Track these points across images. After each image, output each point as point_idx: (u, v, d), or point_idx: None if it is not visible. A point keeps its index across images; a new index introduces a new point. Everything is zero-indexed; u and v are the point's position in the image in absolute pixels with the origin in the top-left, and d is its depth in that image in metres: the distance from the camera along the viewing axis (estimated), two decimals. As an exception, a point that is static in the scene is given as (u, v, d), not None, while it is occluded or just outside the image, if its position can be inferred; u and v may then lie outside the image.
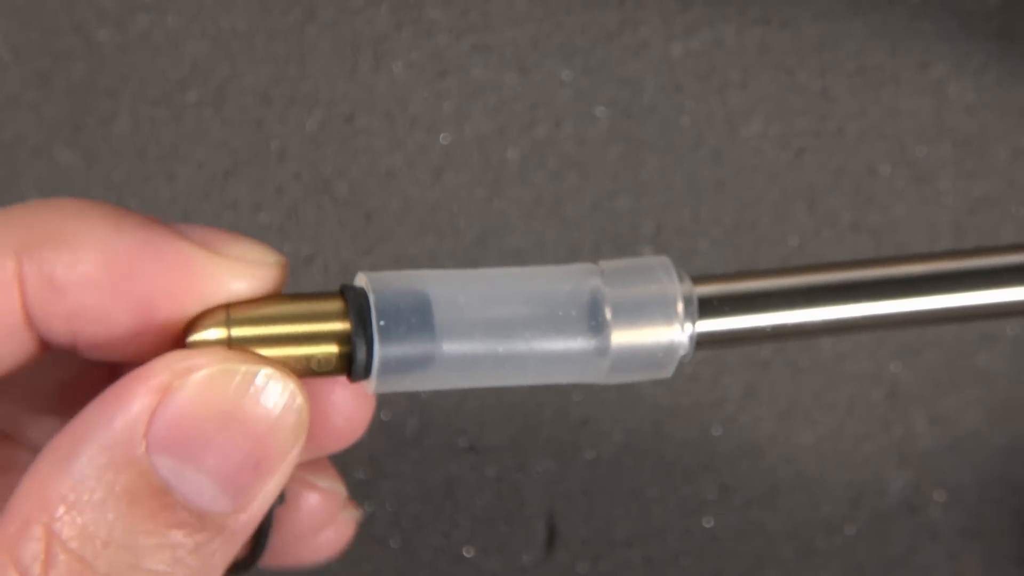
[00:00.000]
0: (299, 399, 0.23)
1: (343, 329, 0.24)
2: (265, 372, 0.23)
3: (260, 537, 0.27)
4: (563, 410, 0.46)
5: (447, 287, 0.24)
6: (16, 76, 0.46)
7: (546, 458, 0.46)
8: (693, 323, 0.24)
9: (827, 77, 0.46)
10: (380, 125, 0.46)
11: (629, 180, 0.46)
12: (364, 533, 0.45)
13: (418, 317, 0.24)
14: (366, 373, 0.24)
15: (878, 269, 0.25)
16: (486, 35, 0.46)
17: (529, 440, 0.46)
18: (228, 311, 0.24)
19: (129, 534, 0.22)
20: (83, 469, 0.22)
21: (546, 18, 0.46)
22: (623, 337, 0.24)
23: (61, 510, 0.22)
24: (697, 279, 0.25)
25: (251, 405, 0.23)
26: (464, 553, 0.46)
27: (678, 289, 0.24)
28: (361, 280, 0.24)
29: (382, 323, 0.23)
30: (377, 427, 0.45)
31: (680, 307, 0.24)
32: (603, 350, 0.24)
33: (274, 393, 0.23)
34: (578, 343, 0.24)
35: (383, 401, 0.45)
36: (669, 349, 0.24)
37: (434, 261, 0.45)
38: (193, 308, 0.24)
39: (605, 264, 0.25)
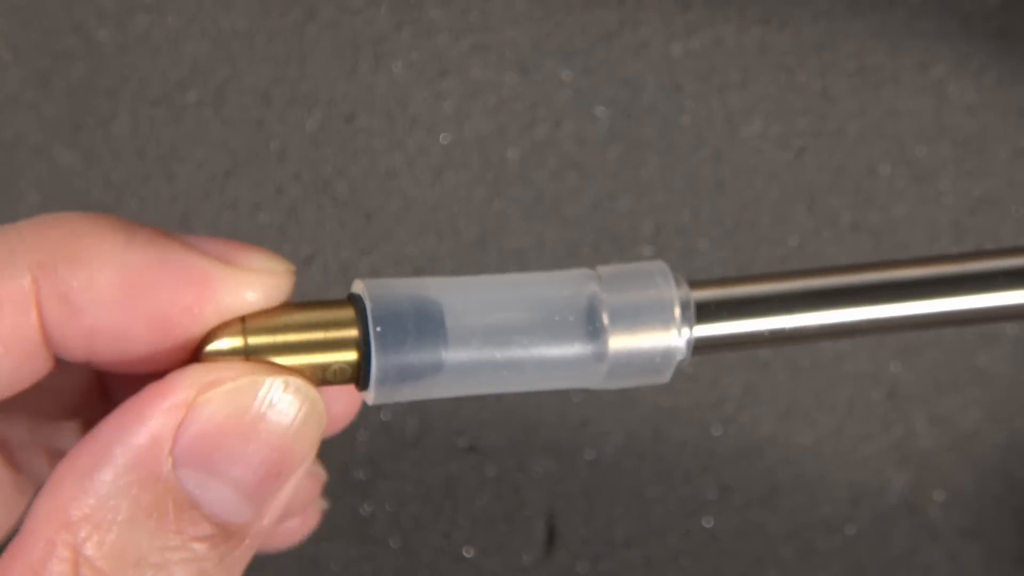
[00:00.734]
0: (320, 406, 0.24)
1: (355, 336, 0.24)
2: (288, 382, 0.23)
3: None
4: (563, 411, 0.46)
5: (447, 294, 0.24)
6: (16, 76, 0.46)
7: (546, 458, 0.46)
8: (690, 328, 0.24)
9: (827, 77, 0.46)
10: (380, 125, 0.46)
11: (629, 180, 0.46)
12: (364, 533, 0.45)
13: (422, 325, 0.24)
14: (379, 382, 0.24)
15: (876, 273, 0.25)
16: (486, 35, 0.46)
17: (529, 440, 0.46)
18: (243, 322, 0.24)
19: (158, 551, 0.22)
20: (107, 487, 0.22)
21: (546, 18, 0.46)
22: (620, 342, 0.24)
23: (87, 529, 0.22)
24: (694, 284, 0.25)
25: (276, 416, 0.23)
26: (464, 553, 0.46)
27: (675, 294, 0.24)
28: (358, 287, 0.24)
29: (379, 329, 0.23)
30: (377, 427, 0.45)
31: (677, 312, 0.24)
32: (601, 355, 0.24)
33: (297, 402, 0.23)
34: (576, 349, 0.24)
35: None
36: (666, 354, 0.24)
37: (434, 261, 0.45)
38: (210, 321, 0.24)
39: (603, 269, 0.25)
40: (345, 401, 0.30)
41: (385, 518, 0.45)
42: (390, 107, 0.46)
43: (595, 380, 0.25)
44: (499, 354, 0.24)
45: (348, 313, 0.24)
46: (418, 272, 0.46)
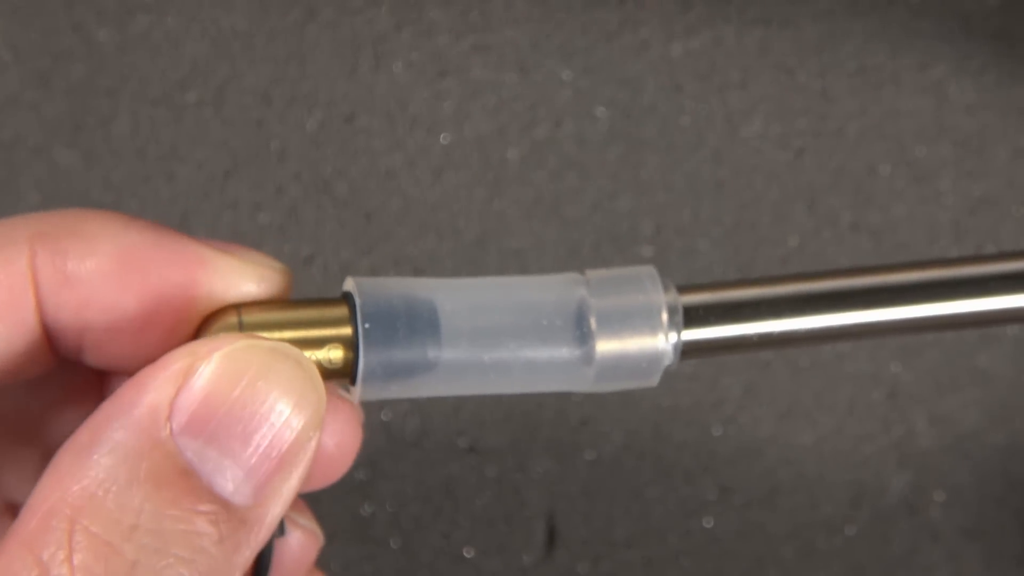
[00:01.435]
0: (318, 383, 0.24)
1: (347, 333, 0.24)
2: (288, 352, 0.23)
3: (261, 566, 0.28)
4: (563, 411, 0.46)
5: (438, 295, 0.24)
6: (16, 76, 0.46)
7: (546, 458, 0.46)
8: (678, 333, 0.25)
9: (827, 77, 0.46)
10: (380, 125, 0.46)
11: (629, 180, 0.46)
12: (364, 533, 0.45)
13: (411, 324, 0.24)
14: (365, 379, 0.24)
15: (866, 278, 0.25)
16: (486, 35, 0.46)
17: (529, 440, 0.46)
18: (239, 312, 0.24)
19: (156, 518, 0.22)
20: (106, 456, 0.22)
21: (546, 18, 0.46)
22: (608, 347, 0.24)
23: (83, 499, 0.22)
24: (682, 288, 0.25)
25: (274, 384, 0.23)
26: (464, 553, 0.46)
27: (663, 299, 0.25)
28: (349, 285, 0.24)
29: (367, 326, 0.24)
30: (377, 428, 0.45)
31: (664, 317, 0.24)
32: (588, 359, 0.24)
33: (295, 373, 0.23)
34: (564, 352, 0.24)
35: (383, 402, 0.45)
36: (653, 358, 0.24)
37: (434, 261, 0.45)
38: (203, 304, 0.24)
39: (591, 274, 0.25)
40: (342, 442, 0.29)
41: (385, 518, 0.45)
42: (390, 107, 0.46)
43: (583, 383, 0.25)
44: (487, 355, 0.24)
45: (341, 311, 0.24)
46: (418, 272, 0.46)
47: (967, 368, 0.47)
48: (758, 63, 0.46)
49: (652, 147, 0.46)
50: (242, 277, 0.24)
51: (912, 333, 0.26)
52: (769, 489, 0.46)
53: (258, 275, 0.24)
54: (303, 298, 0.25)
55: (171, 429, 0.23)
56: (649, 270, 0.25)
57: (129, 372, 0.24)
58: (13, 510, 0.28)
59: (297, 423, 0.23)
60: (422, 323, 0.24)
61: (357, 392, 0.24)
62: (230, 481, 0.23)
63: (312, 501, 0.46)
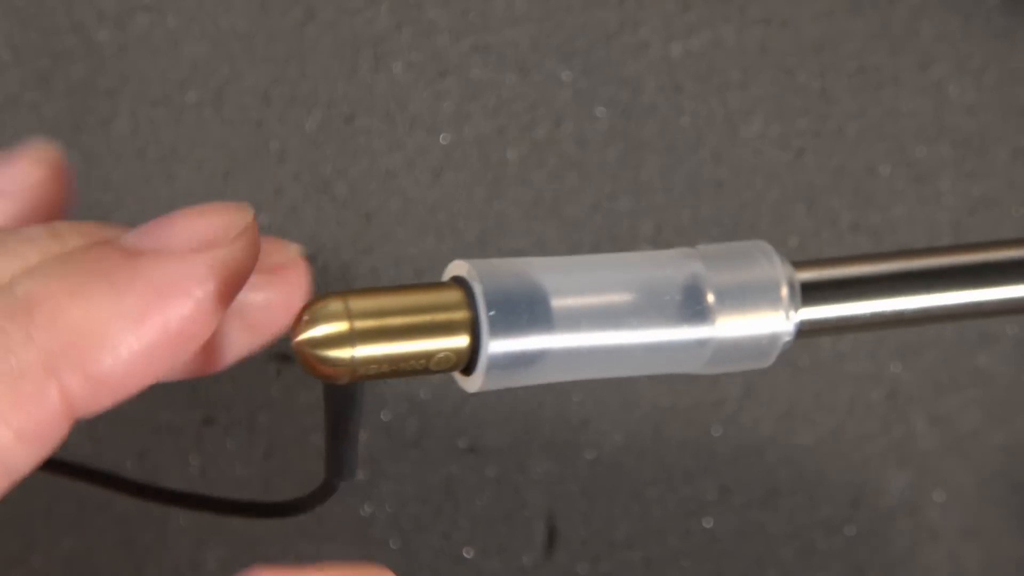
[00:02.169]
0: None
1: (466, 319, 0.22)
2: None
3: (341, 453, 0.25)
4: (563, 411, 0.46)
5: (551, 276, 0.23)
6: (16, 76, 0.46)
7: (546, 459, 0.46)
8: (796, 310, 0.23)
9: (827, 77, 0.46)
10: (380, 125, 0.46)
11: (629, 180, 0.46)
12: (364, 534, 0.45)
13: (532, 309, 0.22)
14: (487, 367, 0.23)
15: (978, 254, 0.24)
16: (486, 35, 0.46)
17: (529, 441, 0.46)
18: (346, 303, 0.22)
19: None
20: None
21: (546, 18, 0.46)
22: (727, 324, 0.23)
23: None
24: (796, 264, 0.24)
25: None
26: (464, 554, 0.46)
27: (782, 273, 0.23)
28: (461, 268, 0.23)
29: (492, 313, 0.22)
30: (377, 428, 0.45)
31: (785, 292, 0.23)
32: (706, 338, 0.23)
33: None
34: (680, 332, 0.23)
35: (383, 402, 0.45)
36: (773, 337, 0.23)
37: (434, 261, 0.45)
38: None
39: (704, 248, 0.24)
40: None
41: (385, 519, 0.45)
42: (390, 107, 0.46)
43: (696, 364, 0.24)
44: (606, 338, 0.23)
45: (455, 295, 0.23)
46: (418, 273, 0.45)
47: (967, 368, 0.47)
48: (758, 63, 0.46)
49: (652, 147, 0.46)
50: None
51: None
52: (769, 489, 0.46)
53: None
54: (408, 283, 0.23)
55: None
56: (763, 244, 0.24)
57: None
58: None
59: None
60: (542, 307, 0.22)
61: (476, 382, 0.23)
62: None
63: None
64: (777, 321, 0.23)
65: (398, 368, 0.22)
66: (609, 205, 0.46)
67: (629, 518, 0.46)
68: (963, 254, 0.25)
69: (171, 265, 0.24)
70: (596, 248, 0.46)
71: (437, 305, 0.22)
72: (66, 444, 0.24)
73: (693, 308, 0.23)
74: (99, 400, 0.24)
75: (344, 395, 0.24)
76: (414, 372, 0.23)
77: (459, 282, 0.23)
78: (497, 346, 0.22)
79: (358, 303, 0.22)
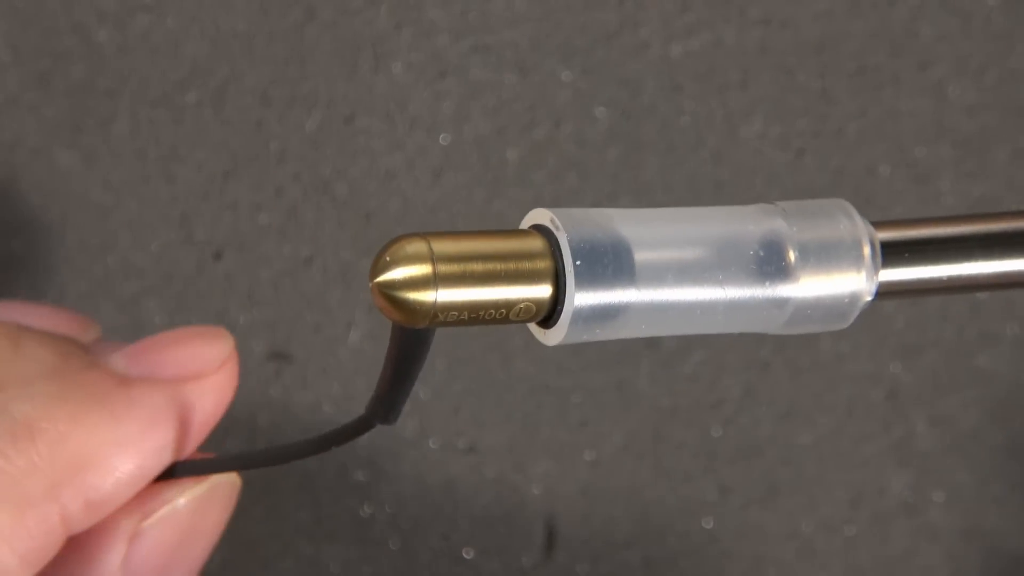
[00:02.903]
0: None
1: (550, 268, 0.21)
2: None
3: (393, 398, 0.24)
4: (563, 411, 0.46)
5: (634, 227, 0.22)
6: (16, 77, 0.46)
7: (546, 459, 0.46)
8: (878, 270, 0.23)
9: (827, 77, 0.46)
10: (380, 126, 0.46)
11: (629, 180, 0.46)
12: (364, 535, 0.45)
13: (618, 260, 0.22)
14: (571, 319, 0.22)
15: None
16: (486, 35, 0.46)
17: (529, 441, 0.46)
18: (429, 244, 0.21)
19: None
20: None
21: (546, 18, 0.46)
22: (808, 282, 0.22)
23: None
24: (876, 224, 0.23)
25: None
26: (463, 555, 0.46)
27: (864, 232, 0.23)
28: (543, 216, 0.22)
29: (578, 263, 0.21)
30: (377, 428, 0.45)
31: (867, 252, 0.23)
32: (786, 296, 0.22)
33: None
34: (762, 289, 0.22)
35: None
36: (855, 297, 0.23)
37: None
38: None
39: (784, 204, 0.23)
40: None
41: (385, 519, 0.45)
42: (390, 107, 0.46)
43: (774, 324, 0.23)
44: (686, 293, 0.22)
45: (538, 243, 0.22)
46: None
47: (967, 368, 0.47)
48: (758, 63, 0.46)
49: (652, 147, 0.46)
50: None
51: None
52: (769, 490, 0.46)
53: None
54: (487, 229, 0.22)
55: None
56: (843, 202, 0.23)
57: None
58: None
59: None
60: (624, 260, 0.22)
61: (558, 335, 0.22)
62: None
63: (311, 503, 0.46)
64: (859, 281, 0.23)
65: (478, 316, 0.21)
66: (609, 205, 0.46)
67: (629, 518, 0.46)
68: None
69: (163, 394, 0.25)
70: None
71: (520, 252, 0.21)
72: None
73: (775, 265, 0.22)
74: (94, 519, 0.25)
75: (416, 339, 0.22)
76: (493, 321, 0.21)
77: (539, 230, 0.22)
78: (583, 298, 0.21)
79: (441, 245, 0.21)
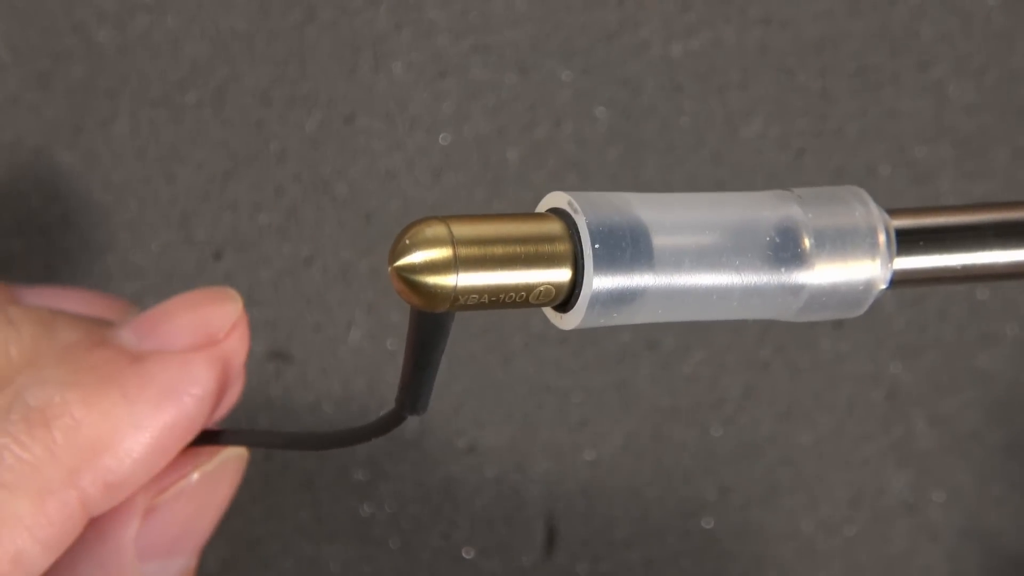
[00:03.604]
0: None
1: (568, 252, 0.21)
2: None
3: (419, 385, 0.24)
4: (563, 411, 0.46)
5: (651, 212, 0.22)
6: (16, 77, 0.46)
7: (546, 459, 0.46)
8: (893, 258, 0.23)
9: (827, 77, 0.46)
10: (380, 126, 0.46)
11: (629, 180, 0.46)
12: (364, 534, 0.45)
13: (636, 244, 0.22)
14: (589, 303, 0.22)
15: None
16: (486, 35, 0.46)
17: (529, 441, 0.46)
18: (449, 227, 0.21)
19: None
20: None
21: (546, 18, 0.46)
22: (823, 269, 0.22)
23: None
24: (890, 212, 0.23)
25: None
26: (464, 554, 0.46)
27: (879, 220, 0.23)
28: (561, 200, 0.22)
29: (597, 247, 0.21)
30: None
31: (882, 239, 0.23)
32: (801, 283, 0.22)
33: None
34: (778, 276, 0.22)
35: (382, 402, 0.45)
36: (869, 284, 0.23)
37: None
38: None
39: (800, 191, 0.23)
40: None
41: (385, 519, 0.45)
42: (390, 107, 0.46)
43: (789, 311, 0.23)
44: (704, 279, 0.22)
45: (557, 227, 0.21)
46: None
47: (967, 368, 0.47)
48: (758, 63, 0.46)
49: (652, 147, 0.46)
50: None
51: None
52: (769, 489, 0.46)
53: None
54: (505, 212, 0.22)
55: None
56: (857, 189, 0.23)
57: None
58: None
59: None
60: (644, 243, 0.22)
61: (575, 319, 0.22)
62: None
63: (311, 503, 0.46)
64: (874, 268, 0.23)
65: (498, 299, 0.21)
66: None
67: (629, 518, 0.46)
68: None
69: (175, 368, 0.25)
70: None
71: (539, 236, 0.21)
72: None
73: (790, 251, 0.22)
74: (113, 500, 0.25)
75: (435, 324, 0.22)
76: (513, 305, 0.21)
77: (556, 214, 0.22)
78: (601, 282, 0.21)
79: (461, 229, 0.21)
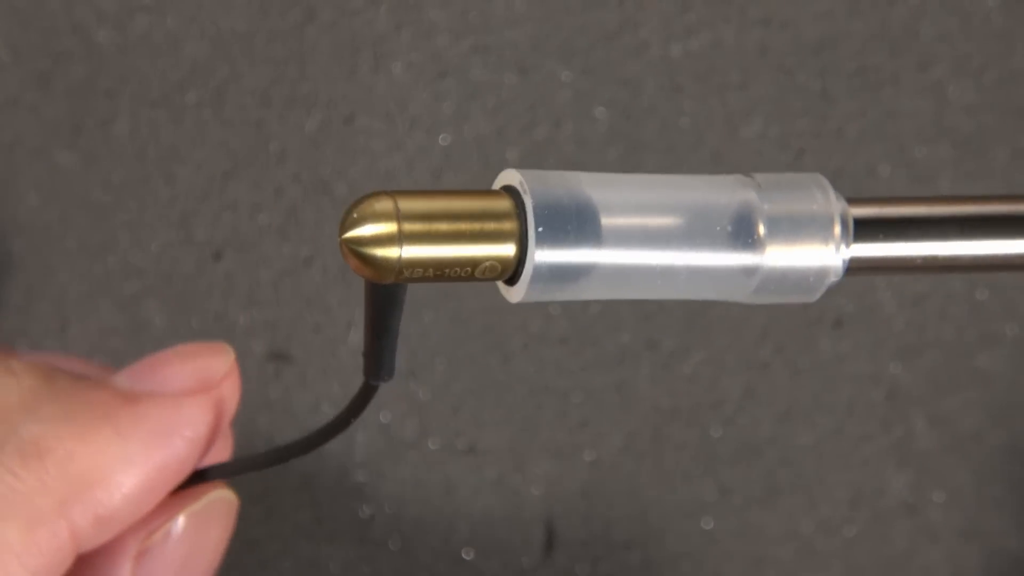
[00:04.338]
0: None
1: (514, 229, 0.22)
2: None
3: (380, 353, 0.25)
4: (563, 411, 0.46)
5: (602, 191, 0.23)
6: (16, 77, 0.46)
7: (545, 460, 0.46)
8: (847, 246, 0.23)
9: (827, 77, 0.46)
10: (380, 126, 0.46)
11: (629, 180, 0.46)
12: (363, 535, 0.45)
13: (581, 223, 0.22)
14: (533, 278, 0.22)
15: None
16: (486, 35, 0.46)
17: (529, 442, 0.46)
18: (396, 202, 0.21)
19: None
20: None
21: (546, 19, 0.46)
22: (775, 255, 0.23)
23: None
24: (851, 201, 0.23)
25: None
26: (463, 555, 0.46)
27: (835, 208, 0.23)
28: (513, 178, 0.23)
29: (540, 228, 0.22)
30: (376, 429, 0.45)
31: (837, 228, 0.23)
32: (753, 267, 0.23)
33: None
34: (729, 258, 0.23)
35: (382, 403, 0.45)
36: (821, 272, 0.23)
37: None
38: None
39: (760, 177, 0.23)
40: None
41: (384, 520, 0.45)
42: (390, 108, 0.46)
43: (742, 293, 0.23)
44: (652, 258, 0.22)
45: (504, 204, 0.22)
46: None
47: (967, 368, 0.47)
48: (758, 64, 0.46)
49: (652, 147, 0.46)
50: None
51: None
52: (768, 490, 0.46)
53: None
54: (457, 189, 0.22)
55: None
56: (817, 177, 0.24)
57: None
58: None
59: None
60: (588, 222, 0.22)
61: (519, 293, 0.23)
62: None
63: (311, 503, 0.46)
64: (827, 255, 0.23)
65: (443, 273, 0.22)
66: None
67: (628, 519, 0.46)
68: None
69: (169, 409, 0.25)
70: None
71: (486, 212, 0.22)
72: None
73: (744, 236, 0.23)
74: (103, 535, 0.25)
75: (387, 294, 0.23)
76: (459, 278, 0.22)
77: (508, 191, 0.23)
78: (543, 256, 0.22)
79: (408, 204, 0.21)
